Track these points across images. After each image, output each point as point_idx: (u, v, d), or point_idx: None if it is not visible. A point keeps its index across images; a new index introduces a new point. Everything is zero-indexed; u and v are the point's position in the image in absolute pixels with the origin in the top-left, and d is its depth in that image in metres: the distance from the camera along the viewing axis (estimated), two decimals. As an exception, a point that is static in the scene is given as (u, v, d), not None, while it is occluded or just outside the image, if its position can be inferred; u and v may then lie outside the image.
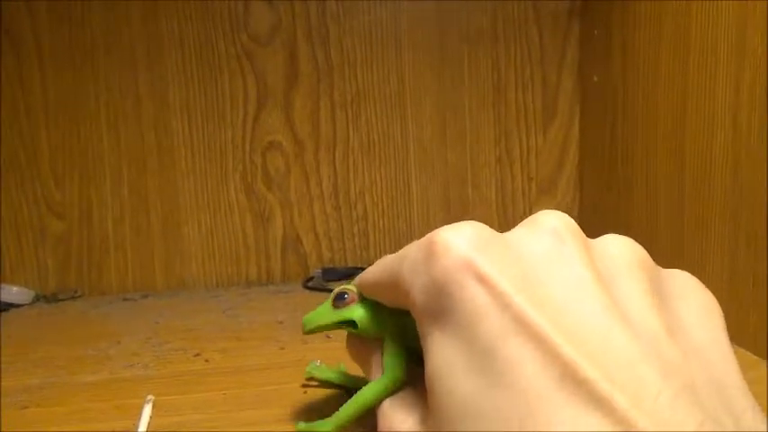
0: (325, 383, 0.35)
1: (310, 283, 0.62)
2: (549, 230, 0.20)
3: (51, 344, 0.47)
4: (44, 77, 0.61)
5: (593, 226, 0.65)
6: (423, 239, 0.20)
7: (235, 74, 0.63)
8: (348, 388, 0.34)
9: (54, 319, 0.56)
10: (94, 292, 0.64)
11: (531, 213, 0.67)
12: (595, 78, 0.62)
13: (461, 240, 0.19)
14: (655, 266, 0.20)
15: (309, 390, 0.35)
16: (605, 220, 0.62)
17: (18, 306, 0.60)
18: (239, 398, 0.34)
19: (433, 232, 0.20)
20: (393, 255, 0.23)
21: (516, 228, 0.21)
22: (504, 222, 0.68)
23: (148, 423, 0.31)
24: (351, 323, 0.27)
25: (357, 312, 0.26)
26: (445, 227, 0.20)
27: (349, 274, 0.65)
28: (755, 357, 0.37)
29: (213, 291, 0.63)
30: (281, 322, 0.49)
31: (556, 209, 0.69)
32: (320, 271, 0.64)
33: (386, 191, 0.66)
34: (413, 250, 0.20)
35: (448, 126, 0.67)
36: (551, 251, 0.19)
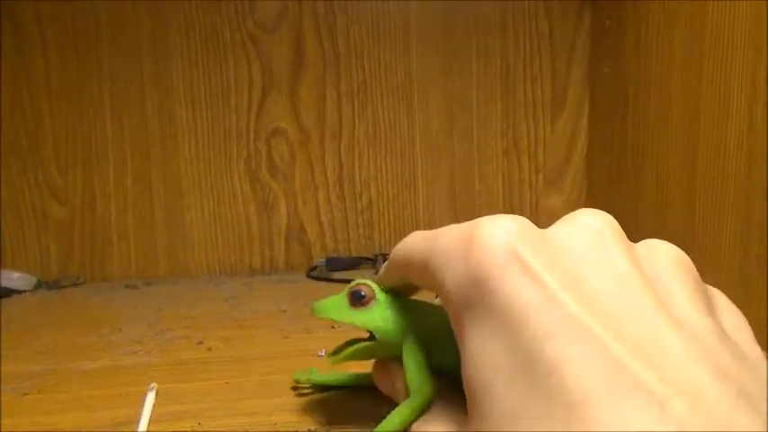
0: (318, 387, 0.33)
1: (314, 273, 0.62)
2: (590, 228, 0.19)
3: (53, 330, 0.46)
4: (48, 63, 0.61)
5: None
6: (462, 228, 0.19)
7: (240, 61, 0.62)
8: (345, 387, 0.32)
9: (56, 305, 0.55)
10: (97, 278, 0.64)
11: (537, 205, 0.67)
12: (606, 70, 0.62)
13: (505, 233, 0.18)
14: (696, 270, 0.20)
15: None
16: (614, 213, 0.61)
17: (20, 292, 0.59)
18: (242, 386, 0.34)
19: (472, 222, 0.19)
20: (424, 234, 0.22)
21: (555, 225, 0.20)
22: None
23: (151, 411, 0.31)
24: (369, 333, 0.25)
25: (376, 321, 0.25)
26: (485, 218, 0.19)
27: (353, 264, 0.64)
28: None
29: (216, 279, 0.63)
30: (284, 311, 0.49)
31: (563, 201, 0.69)
32: (324, 260, 0.64)
33: (391, 181, 0.66)
34: (450, 238, 0.19)
35: (455, 117, 0.66)
36: (593, 248, 0.18)
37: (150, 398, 0.32)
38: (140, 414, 0.30)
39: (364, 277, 0.27)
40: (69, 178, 0.62)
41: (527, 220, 0.19)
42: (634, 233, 0.60)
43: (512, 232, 0.18)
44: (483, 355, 0.16)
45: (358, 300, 0.25)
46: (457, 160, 0.66)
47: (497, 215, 0.19)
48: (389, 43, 0.64)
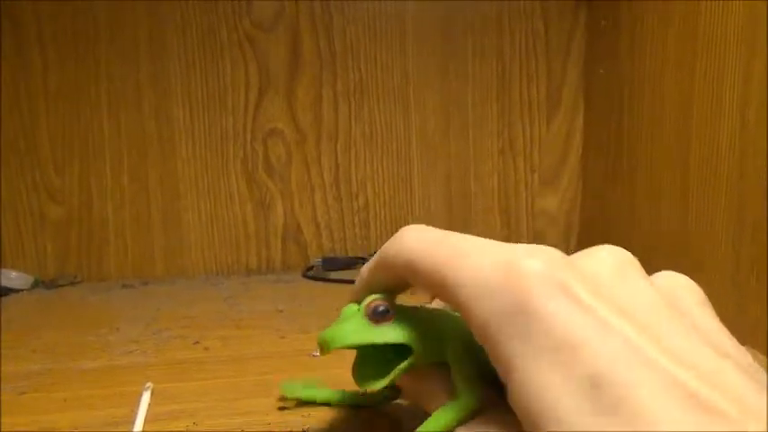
0: (306, 402, 0.31)
1: (310, 273, 0.62)
2: (612, 260, 0.19)
3: (50, 330, 0.47)
4: (45, 63, 0.61)
5: (596, 219, 0.65)
6: (494, 256, 0.19)
7: (237, 61, 0.63)
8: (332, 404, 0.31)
9: (53, 304, 0.55)
10: (94, 278, 0.64)
11: (533, 205, 0.67)
12: (601, 71, 0.62)
13: (544, 263, 0.18)
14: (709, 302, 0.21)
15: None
16: (609, 213, 0.61)
17: (17, 291, 0.60)
18: (238, 386, 0.34)
19: (505, 251, 0.19)
20: (430, 238, 0.21)
21: (575, 257, 0.20)
22: (505, 214, 0.67)
23: (147, 410, 0.31)
24: (402, 347, 0.23)
25: (408, 334, 0.23)
26: (519, 247, 0.19)
27: (349, 264, 0.64)
28: (759, 354, 0.37)
29: (213, 279, 0.63)
30: (281, 311, 0.49)
31: (558, 201, 0.69)
32: (320, 260, 0.64)
33: (387, 181, 0.66)
34: (480, 267, 0.19)
35: (451, 117, 0.66)
36: (620, 279, 0.19)
37: (146, 397, 0.32)
38: (136, 414, 0.30)
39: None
40: (66, 178, 0.62)
41: (555, 250, 0.19)
42: (629, 232, 0.60)
43: (551, 262, 0.18)
44: (539, 383, 0.17)
45: (382, 316, 0.23)
46: (453, 160, 0.67)
47: (527, 245, 0.19)
48: (386, 43, 0.64)
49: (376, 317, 0.23)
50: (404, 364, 0.23)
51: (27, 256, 0.63)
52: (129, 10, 0.61)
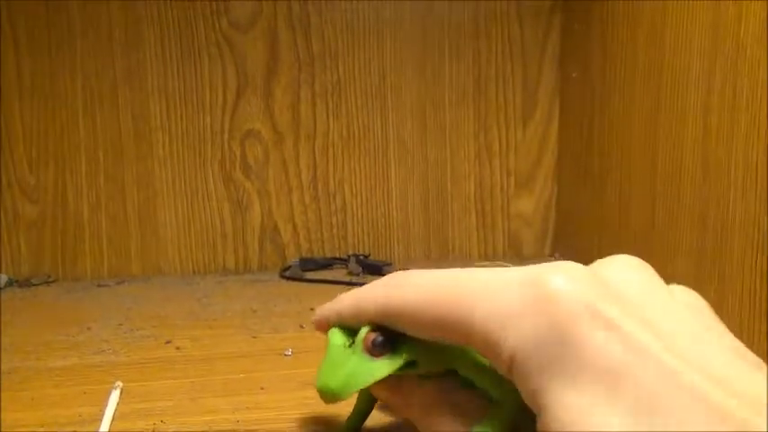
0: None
1: (287, 273, 0.62)
2: (637, 276, 0.20)
3: (22, 329, 0.46)
4: (19, 59, 0.60)
5: (570, 221, 0.66)
6: (521, 284, 0.18)
7: (214, 60, 0.63)
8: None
9: (26, 304, 0.55)
10: (69, 277, 0.63)
11: (509, 208, 0.68)
12: (574, 74, 0.63)
13: (574, 286, 0.18)
14: None
15: (277, 378, 0.35)
16: (581, 216, 0.62)
17: (-10, 290, 0.59)
18: (207, 385, 0.35)
19: (532, 276, 0.18)
20: (432, 282, 0.21)
21: (597, 269, 0.20)
22: (481, 216, 0.68)
23: (115, 409, 0.31)
24: (409, 364, 0.23)
25: (411, 352, 0.23)
26: (544, 270, 0.18)
27: (326, 265, 0.65)
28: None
29: (189, 278, 0.63)
30: (254, 311, 0.50)
31: (534, 204, 0.69)
32: (297, 261, 0.64)
33: (365, 183, 0.67)
34: (506, 297, 0.19)
35: (428, 119, 0.67)
36: (648, 295, 0.19)
37: (114, 396, 0.32)
38: (104, 412, 0.30)
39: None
40: (41, 176, 0.62)
41: (581, 266, 0.19)
42: (600, 234, 0.60)
43: (580, 283, 0.18)
44: (580, 411, 0.17)
45: (383, 347, 0.22)
46: (430, 162, 0.67)
47: (551, 265, 0.19)
48: (364, 44, 0.65)
49: (376, 350, 0.22)
50: (390, 366, 0.22)
51: (1, 256, 0.63)
52: (103, 7, 0.60)
